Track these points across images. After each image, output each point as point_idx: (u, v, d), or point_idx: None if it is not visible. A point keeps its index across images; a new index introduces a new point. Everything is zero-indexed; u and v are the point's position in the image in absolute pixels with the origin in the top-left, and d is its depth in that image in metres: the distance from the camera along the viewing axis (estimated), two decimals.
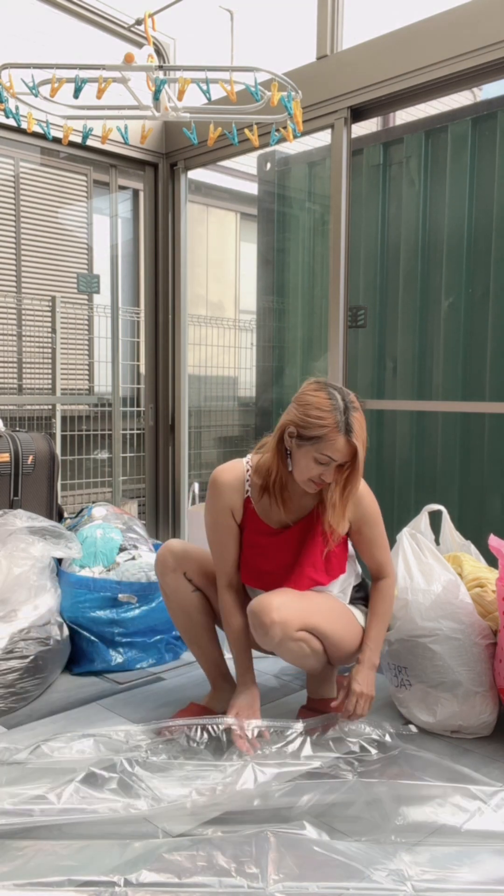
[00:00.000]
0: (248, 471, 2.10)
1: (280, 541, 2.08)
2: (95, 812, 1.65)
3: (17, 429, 3.68)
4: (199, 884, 1.45)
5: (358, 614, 2.15)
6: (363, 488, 2.07)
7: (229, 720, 1.97)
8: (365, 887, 1.45)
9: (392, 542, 2.41)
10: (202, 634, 2.22)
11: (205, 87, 2.11)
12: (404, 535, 2.30)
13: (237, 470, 2.11)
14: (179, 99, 2.28)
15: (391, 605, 2.13)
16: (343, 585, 2.16)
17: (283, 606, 1.94)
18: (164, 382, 3.89)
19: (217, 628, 2.27)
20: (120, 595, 2.65)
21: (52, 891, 1.43)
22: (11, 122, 2.79)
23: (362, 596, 2.24)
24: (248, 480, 2.09)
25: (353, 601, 2.20)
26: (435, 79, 2.66)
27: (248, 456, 2.15)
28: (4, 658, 2.32)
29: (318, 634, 2.00)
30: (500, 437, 3.40)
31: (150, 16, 2.32)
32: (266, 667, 2.66)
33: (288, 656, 2.01)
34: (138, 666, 2.66)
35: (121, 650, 2.65)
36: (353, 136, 3.03)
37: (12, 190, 5.07)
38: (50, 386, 5.30)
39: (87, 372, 5.58)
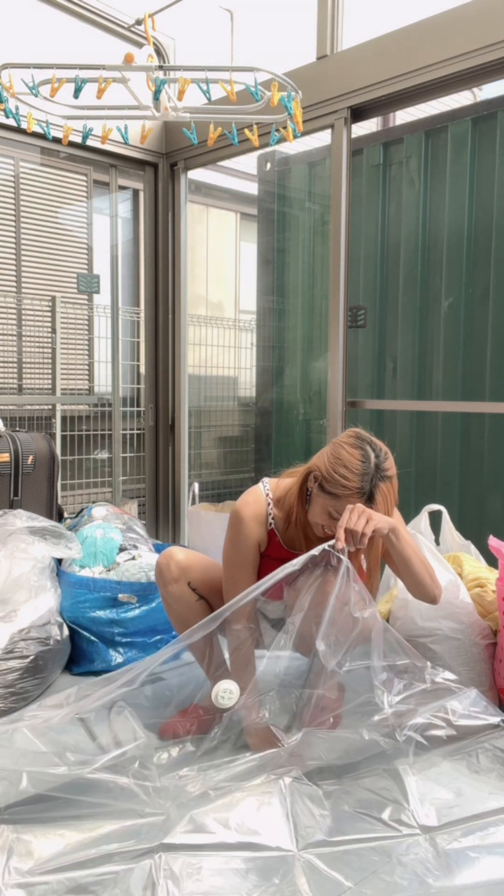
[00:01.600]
0: (269, 504, 2.06)
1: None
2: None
3: (17, 429, 3.68)
4: (235, 845, 1.50)
5: None
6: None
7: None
8: (382, 836, 1.54)
9: None
10: (205, 641, 2.22)
11: (205, 87, 2.11)
12: None
13: (259, 503, 2.05)
14: (179, 99, 2.28)
15: (426, 561, 1.98)
16: None
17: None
18: (164, 382, 3.89)
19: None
20: (120, 595, 2.65)
21: (91, 868, 1.44)
22: (11, 122, 2.79)
23: None
24: (270, 514, 2.06)
25: None
26: (435, 79, 2.66)
27: (266, 482, 2.10)
28: (4, 658, 2.32)
29: None
30: (500, 437, 3.40)
31: (150, 16, 2.32)
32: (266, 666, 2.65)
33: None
34: None
35: (121, 650, 2.65)
36: (353, 136, 3.04)
37: (12, 190, 5.07)
38: (50, 386, 5.30)
39: (87, 372, 5.58)
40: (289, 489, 2.04)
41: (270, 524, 2.06)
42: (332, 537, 1.92)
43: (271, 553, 2.09)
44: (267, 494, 2.07)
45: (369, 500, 1.83)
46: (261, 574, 2.11)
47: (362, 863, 1.50)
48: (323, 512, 1.90)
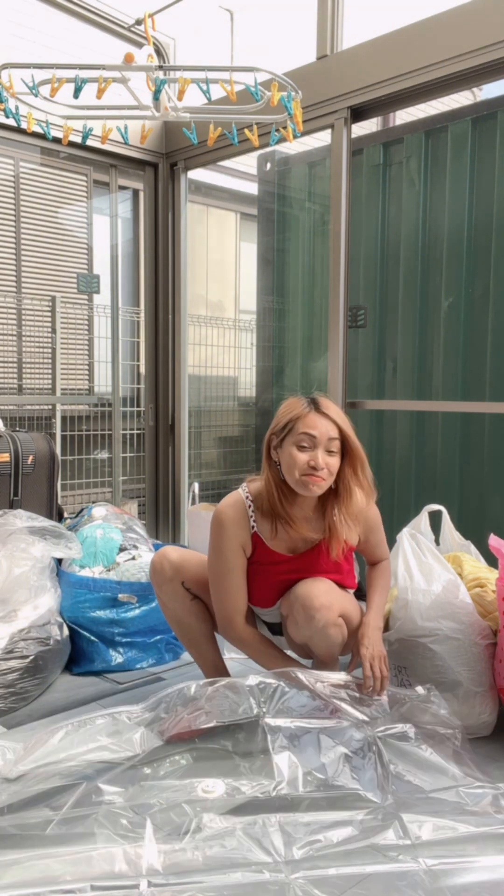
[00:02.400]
0: (249, 506, 2.05)
1: (294, 566, 2.07)
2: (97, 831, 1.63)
3: (17, 429, 3.68)
4: (222, 877, 1.46)
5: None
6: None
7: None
8: (381, 869, 1.49)
9: (392, 542, 2.41)
10: (201, 641, 2.21)
11: (205, 87, 2.11)
12: (404, 536, 2.30)
13: (239, 504, 2.05)
14: (179, 99, 2.28)
15: (389, 580, 2.20)
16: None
17: (327, 592, 1.98)
18: (164, 382, 3.89)
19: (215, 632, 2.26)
20: (120, 595, 2.65)
21: None
22: (11, 122, 2.79)
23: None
24: (251, 517, 2.05)
25: None
26: (435, 79, 2.66)
27: (244, 486, 2.10)
28: (4, 658, 2.32)
29: (346, 622, 2.03)
30: (500, 437, 3.40)
31: (150, 16, 2.32)
32: None
33: (324, 643, 2.00)
34: (138, 666, 2.66)
35: (121, 650, 2.65)
36: (353, 136, 3.03)
37: (12, 190, 5.07)
38: (50, 386, 5.30)
39: (87, 372, 5.58)
40: (260, 486, 2.07)
41: (253, 527, 2.05)
42: (316, 478, 1.93)
43: (260, 559, 2.07)
44: (246, 497, 2.06)
45: (316, 407, 1.95)
46: (255, 582, 2.10)
47: (355, 879, 1.48)
48: (294, 453, 1.93)
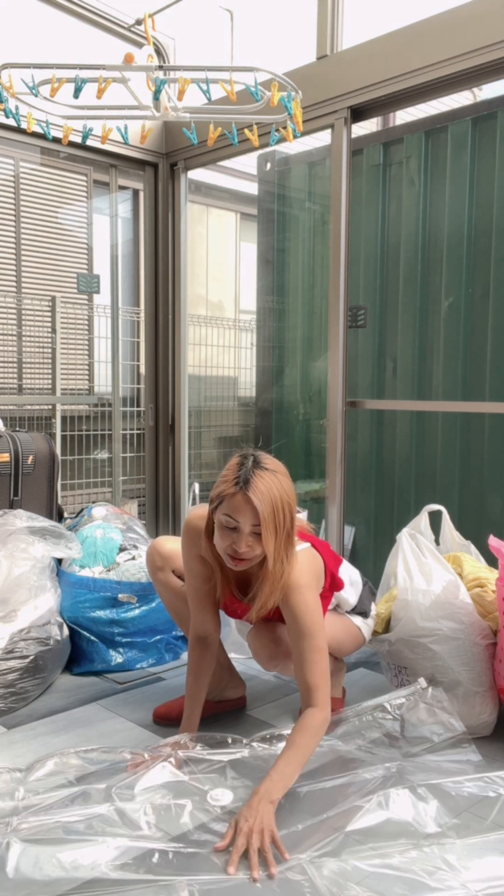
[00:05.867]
0: None
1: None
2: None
3: (17, 429, 3.68)
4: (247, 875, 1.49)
5: (355, 617, 2.20)
6: (301, 581, 1.81)
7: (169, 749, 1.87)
8: (406, 860, 1.52)
9: (392, 542, 2.40)
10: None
11: (205, 87, 2.11)
12: (404, 536, 2.30)
13: (204, 517, 1.92)
14: (179, 99, 2.28)
15: (313, 741, 1.70)
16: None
17: (274, 642, 2.01)
18: (164, 382, 3.89)
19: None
20: (120, 595, 2.65)
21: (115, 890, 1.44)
22: (11, 122, 2.80)
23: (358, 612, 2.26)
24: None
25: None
26: (435, 79, 2.66)
27: None
28: (4, 658, 2.32)
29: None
30: (500, 437, 3.40)
31: (150, 16, 2.32)
32: None
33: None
34: (138, 666, 2.66)
35: (121, 650, 2.65)
36: (353, 136, 3.03)
37: (12, 190, 5.07)
38: (50, 386, 5.30)
39: (87, 372, 5.58)
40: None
41: None
42: (238, 559, 1.78)
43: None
44: None
45: (245, 485, 1.70)
46: (224, 594, 2.06)
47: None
48: (221, 529, 1.77)
